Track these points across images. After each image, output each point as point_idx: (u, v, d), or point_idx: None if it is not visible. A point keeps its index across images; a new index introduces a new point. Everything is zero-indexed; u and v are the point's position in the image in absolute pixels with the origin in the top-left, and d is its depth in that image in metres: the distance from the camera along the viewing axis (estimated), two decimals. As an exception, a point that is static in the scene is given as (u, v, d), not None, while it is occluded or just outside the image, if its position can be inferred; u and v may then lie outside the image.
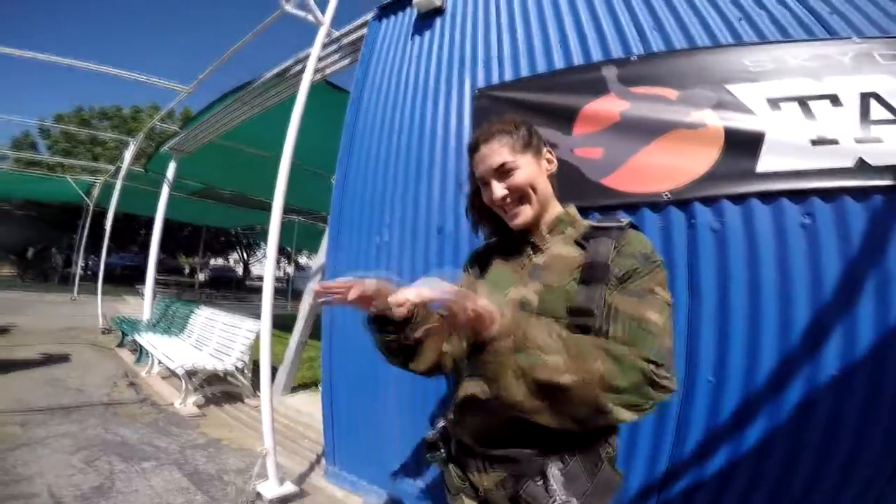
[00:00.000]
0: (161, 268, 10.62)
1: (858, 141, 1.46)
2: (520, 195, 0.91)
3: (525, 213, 0.92)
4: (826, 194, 1.43)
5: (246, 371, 4.18)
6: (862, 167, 1.42)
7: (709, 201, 1.56)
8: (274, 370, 2.90)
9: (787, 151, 1.50)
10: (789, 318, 1.41)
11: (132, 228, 21.10)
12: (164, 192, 6.67)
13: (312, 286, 4.21)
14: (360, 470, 2.33)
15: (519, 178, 0.91)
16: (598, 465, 0.81)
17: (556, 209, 0.97)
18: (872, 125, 1.48)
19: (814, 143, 1.49)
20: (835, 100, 1.55)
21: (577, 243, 0.89)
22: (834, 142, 1.48)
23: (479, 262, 1.05)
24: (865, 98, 1.52)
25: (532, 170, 0.93)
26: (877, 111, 1.50)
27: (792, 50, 1.67)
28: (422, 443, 1.00)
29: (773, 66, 1.66)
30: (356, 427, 2.33)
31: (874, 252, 1.36)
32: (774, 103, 1.59)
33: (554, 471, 0.78)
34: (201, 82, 4.88)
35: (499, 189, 0.92)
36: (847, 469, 1.36)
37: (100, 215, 10.61)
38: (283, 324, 4.62)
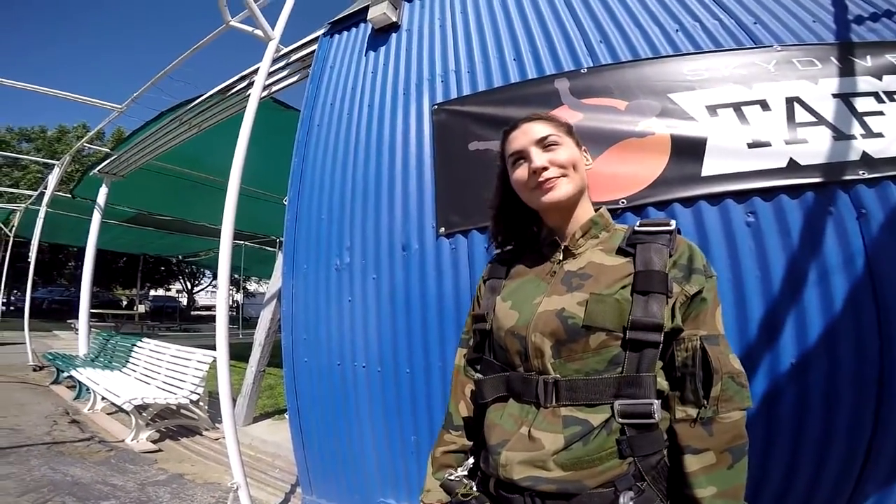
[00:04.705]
0: (95, 301, 10.04)
1: (788, 143, 1.63)
2: (561, 171, 0.87)
3: (563, 188, 0.87)
4: (765, 193, 1.59)
5: (202, 403, 4.13)
6: (793, 167, 1.59)
7: (661, 206, 1.68)
8: (232, 401, 2.89)
9: (727, 155, 1.65)
10: (745, 313, 1.54)
11: (59, 260, 19.82)
12: (96, 219, 6.35)
13: (267, 314, 4.18)
14: (340, 498, 2.29)
15: (562, 153, 0.88)
16: (665, 483, 0.77)
17: (589, 210, 0.93)
18: (798, 127, 1.65)
19: (750, 146, 1.65)
20: (764, 105, 1.72)
21: (621, 250, 0.85)
22: (767, 144, 1.64)
23: (496, 274, 1.01)
24: (790, 102, 1.70)
25: (576, 152, 0.91)
26: (801, 114, 1.67)
27: (724, 59, 1.84)
28: (446, 483, 0.92)
29: (709, 75, 1.82)
30: (331, 454, 2.30)
31: (812, 244, 1.52)
32: (713, 110, 1.75)
33: (627, 501, 0.72)
34: (136, 100, 4.72)
35: (540, 157, 0.87)
36: (821, 455, 1.47)
37: (22, 246, 9.93)
38: (236, 353, 4.64)
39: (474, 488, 0.87)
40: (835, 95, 1.69)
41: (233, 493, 2.17)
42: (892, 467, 1.44)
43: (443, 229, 2.05)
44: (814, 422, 1.47)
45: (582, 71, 2.01)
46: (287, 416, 2.53)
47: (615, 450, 0.74)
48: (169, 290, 28.40)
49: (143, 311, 19.17)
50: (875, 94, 1.67)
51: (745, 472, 0.75)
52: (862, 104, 1.66)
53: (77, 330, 6.84)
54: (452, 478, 0.91)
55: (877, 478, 1.44)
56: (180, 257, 18.06)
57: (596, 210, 0.94)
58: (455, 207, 2.05)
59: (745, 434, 0.76)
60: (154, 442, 3.69)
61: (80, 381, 4.73)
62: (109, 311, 15.77)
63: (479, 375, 0.94)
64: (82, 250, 6.41)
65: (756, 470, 1.49)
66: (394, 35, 2.76)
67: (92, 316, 6.68)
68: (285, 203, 2.68)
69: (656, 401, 0.75)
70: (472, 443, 0.98)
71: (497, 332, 0.90)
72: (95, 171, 6.18)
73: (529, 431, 0.78)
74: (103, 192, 6.27)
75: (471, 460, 0.93)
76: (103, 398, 4.25)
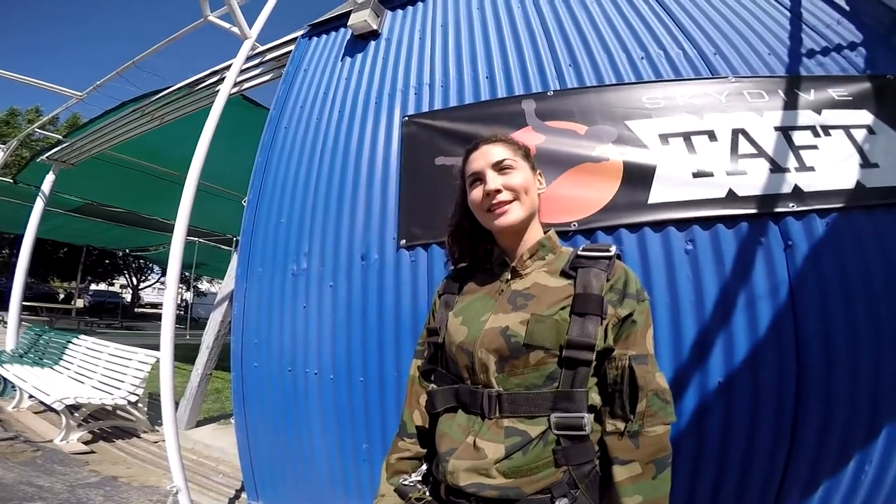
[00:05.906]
0: (29, 293, 9.63)
1: (729, 173, 1.78)
2: (514, 195, 0.95)
3: (514, 212, 0.95)
4: (704, 222, 1.74)
5: (140, 404, 4.06)
6: (731, 197, 1.74)
7: (609, 230, 1.81)
8: (175, 404, 2.90)
9: (673, 183, 1.80)
10: (679, 335, 1.68)
11: (-10, 247, 18.93)
12: (38, 206, 6.16)
13: (217, 315, 4.17)
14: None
15: (516, 178, 0.96)
16: (598, 491, 0.84)
17: (538, 232, 1.02)
18: (740, 159, 1.81)
19: (694, 175, 1.80)
20: (712, 135, 1.87)
21: (564, 273, 0.93)
22: (710, 174, 1.79)
23: (450, 290, 1.09)
24: (735, 134, 1.86)
25: (529, 176, 0.99)
26: (744, 146, 1.84)
27: (681, 88, 2.00)
28: (400, 488, 0.99)
29: (665, 104, 1.97)
30: (279, 460, 2.31)
31: (744, 273, 1.68)
32: (664, 138, 1.90)
33: None
34: (98, 88, 4.66)
35: (495, 180, 0.96)
36: (746, 466, 1.62)
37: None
38: (182, 354, 4.55)
39: (427, 493, 0.94)
40: (776, 128, 1.86)
41: (172, 496, 2.15)
42: (809, 477, 1.61)
43: (404, 241, 2.13)
44: (739, 436, 1.63)
45: (548, 94, 2.15)
46: (233, 421, 2.55)
47: (551, 459, 0.83)
48: (112, 284, 27.30)
49: (82, 305, 18.33)
50: (812, 128, 1.86)
51: (668, 483, 0.83)
52: (799, 138, 1.84)
53: (5, 323, 6.57)
54: (407, 483, 0.98)
55: (796, 486, 1.62)
56: (127, 251, 17.49)
57: (545, 232, 1.03)
58: (417, 220, 2.13)
59: (669, 447, 0.84)
60: (86, 443, 3.60)
61: (4, 378, 4.60)
62: (44, 305, 15.08)
63: (433, 386, 1.02)
64: (19, 238, 6.18)
65: (688, 478, 1.65)
66: (372, 43, 2.86)
67: (24, 309, 6.41)
68: (245, 203, 2.71)
69: (587, 414, 0.84)
70: (425, 450, 1.05)
71: (448, 346, 0.98)
72: (44, 157, 6.00)
73: (475, 441, 0.86)
74: (49, 179, 6.09)
75: (424, 466, 1.01)
76: (31, 396, 4.14)
